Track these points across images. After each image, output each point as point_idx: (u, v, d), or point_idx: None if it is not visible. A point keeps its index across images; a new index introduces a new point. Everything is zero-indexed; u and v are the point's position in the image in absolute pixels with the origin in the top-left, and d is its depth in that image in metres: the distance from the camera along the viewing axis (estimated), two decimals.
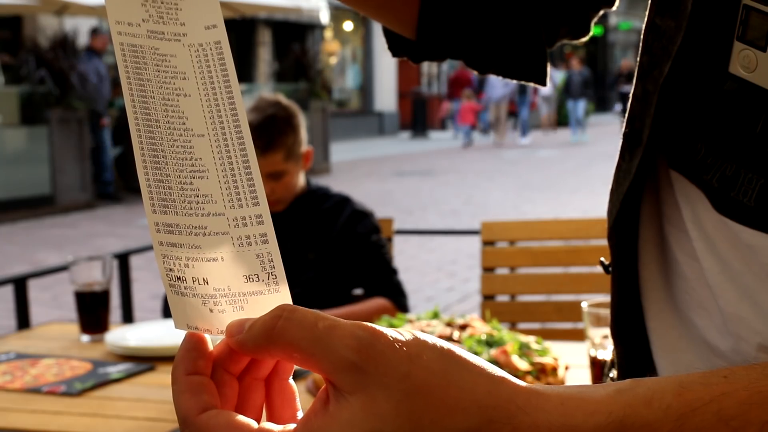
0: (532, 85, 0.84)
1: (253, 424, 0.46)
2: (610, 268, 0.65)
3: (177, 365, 0.49)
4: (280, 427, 0.47)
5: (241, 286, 0.49)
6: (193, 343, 0.49)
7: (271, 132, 2.33)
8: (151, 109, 0.49)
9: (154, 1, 0.48)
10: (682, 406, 0.44)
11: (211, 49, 0.48)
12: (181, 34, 0.48)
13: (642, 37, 0.60)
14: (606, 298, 1.61)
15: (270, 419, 0.50)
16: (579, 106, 19.74)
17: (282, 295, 0.49)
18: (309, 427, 0.45)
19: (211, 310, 0.50)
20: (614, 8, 0.81)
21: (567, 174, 13.37)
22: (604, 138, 20.29)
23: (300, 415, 0.51)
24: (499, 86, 19.07)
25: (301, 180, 2.49)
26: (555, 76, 20.64)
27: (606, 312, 1.51)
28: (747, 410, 0.43)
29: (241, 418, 0.47)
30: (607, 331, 1.51)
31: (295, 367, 0.49)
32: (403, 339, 0.45)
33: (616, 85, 22.99)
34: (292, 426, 0.46)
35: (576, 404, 0.45)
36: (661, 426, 0.44)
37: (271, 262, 0.49)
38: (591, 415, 0.44)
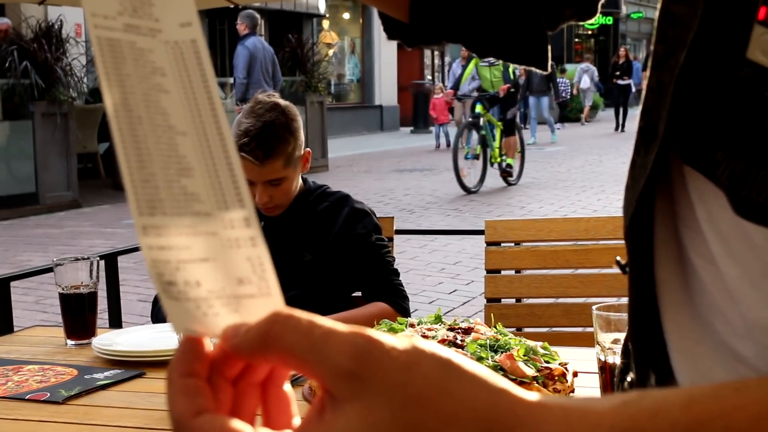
0: (537, 70, 0.84)
1: (248, 430, 0.47)
2: (627, 269, 0.65)
3: (173, 367, 0.49)
4: None
5: (234, 289, 0.50)
6: (191, 345, 0.50)
7: (270, 141, 2.32)
8: (132, 105, 0.49)
9: None
10: (689, 420, 0.44)
11: (187, 48, 0.48)
12: (156, 30, 0.48)
13: (656, 25, 0.60)
14: (616, 301, 1.61)
15: (266, 425, 0.51)
16: (542, 104, 18.62)
17: (274, 299, 0.50)
18: None
19: (205, 314, 0.50)
20: None
21: (576, 170, 13.37)
22: (614, 134, 20.27)
23: (296, 420, 0.51)
24: (466, 81, 17.58)
25: (298, 181, 2.49)
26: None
27: (617, 316, 1.51)
28: (757, 426, 0.43)
29: (236, 423, 0.47)
30: (617, 335, 1.51)
31: (294, 373, 0.50)
32: (400, 347, 0.45)
33: (611, 77, 22.21)
34: None
35: (579, 416, 0.45)
36: None
37: (262, 265, 0.49)
38: (594, 427, 0.44)
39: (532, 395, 0.46)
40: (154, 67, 0.48)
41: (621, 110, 20.97)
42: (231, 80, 12.13)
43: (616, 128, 20.85)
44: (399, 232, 3.20)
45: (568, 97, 23.99)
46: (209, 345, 0.51)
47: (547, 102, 18.78)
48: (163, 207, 0.49)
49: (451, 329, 1.72)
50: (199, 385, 0.49)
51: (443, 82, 22.99)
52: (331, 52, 19.50)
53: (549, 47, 0.82)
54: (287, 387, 0.52)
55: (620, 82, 21.05)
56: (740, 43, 0.51)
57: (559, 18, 0.82)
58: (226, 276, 0.49)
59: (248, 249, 0.49)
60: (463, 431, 0.44)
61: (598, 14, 0.83)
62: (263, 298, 0.50)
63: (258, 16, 10.98)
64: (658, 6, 0.60)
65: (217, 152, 0.48)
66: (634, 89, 21.57)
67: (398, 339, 0.46)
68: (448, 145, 17.50)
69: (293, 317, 0.46)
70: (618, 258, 0.70)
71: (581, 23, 0.84)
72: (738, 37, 0.52)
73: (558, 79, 24.23)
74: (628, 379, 0.70)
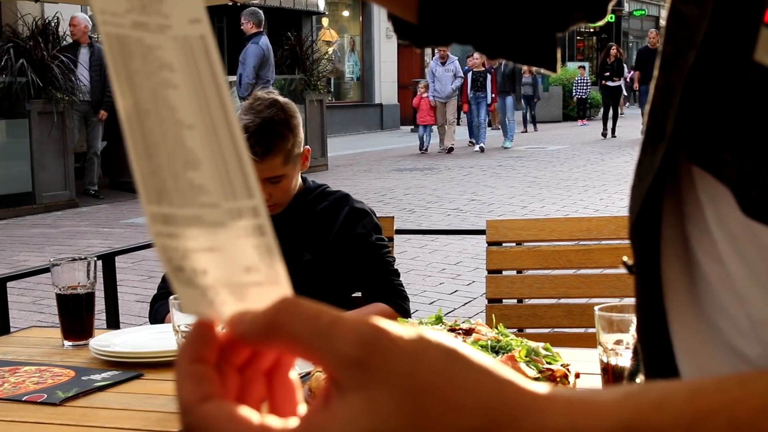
0: (544, 69, 0.84)
1: (255, 417, 0.48)
2: (634, 269, 0.65)
3: (182, 352, 0.50)
4: (282, 422, 0.48)
5: (241, 277, 0.51)
6: (200, 331, 0.51)
7: (269, 137, 2.32)
8: (140, 100, 0.50)
9: None
10: (693, 412, 0.44)
11: (196, 43, 0.49)
12: (165, 26, 0.49)
13: (665, 25, 0.60)
14: (619, 301, 1.61)
15: (271, 412, 0.52)
16: (506, 104, 17.60)
17: (281, 288, 0.51)
18: (310, 424, 0.46)
19: (212, 301, 0.51)
20: None
21: (578, 170, 13.39)
22: (617, 133, 20.27)
23: (301, 408, 0.52)
24: (446, 80, 16.28)
25: (298, 180, 2.49)
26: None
27: (619, 317, 1.51)
28: (760, 418, 0.44)
29: (242, 410, 0.48)
30: (620, 336, 1.52)
31: (300, 371, 0.50)
32: (407, 336, 0.46)
33: (600, 78, 21.18)
34: (294, 421, 0.47)
35: (583, 407, 0.45)
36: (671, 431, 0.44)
37: (270, 254, 0.50)
38: (598, 418, 0.45)
39: (536, 386, 0.47)
40: (162, 63, 0.49)
41: (611, 114, 19.56)
42: (230, 78, 12.16)
43: (604, 134, 19.35)
44: (399, 231, 3.20)
45: (586, 94, 23.79)
46: (219, 331, 0.51)
47: (512, 102, 17.83)
48: (170, 198, 0.51)
49: (452, 330, 1.72)
50: (206, 371, 0.49)
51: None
52: (330, 50, 19.53)
53: (558, 48, 0.82)
54: (293, 375, 0.52)
55: (610, 83, 19.61)
56: (748, 45, 0.52)
57: (569, 19, 0.82)
58: (234, 265, 0.50)
59: (256, 238, 0.50)
60: (467, 420, 0.45)
61: (608, 15, 0.83)
62: (271, 286, 0.50)
63: (262, 12, 11.07)
64: (667, 5, 0.60)
65: (225, 144, 0.49)
66: (625, 92, 21.03)
67: (405, 328, 0.47)
68: (426, 149, 16.83)
69: (300, 304, 0.47)
70: (624, 258, 0.71)
71: (591, 24, 0.85)
72: (746, 38, 0.52)
73: (578, 77, 24.05)
74: (638, 380, 0.70)
